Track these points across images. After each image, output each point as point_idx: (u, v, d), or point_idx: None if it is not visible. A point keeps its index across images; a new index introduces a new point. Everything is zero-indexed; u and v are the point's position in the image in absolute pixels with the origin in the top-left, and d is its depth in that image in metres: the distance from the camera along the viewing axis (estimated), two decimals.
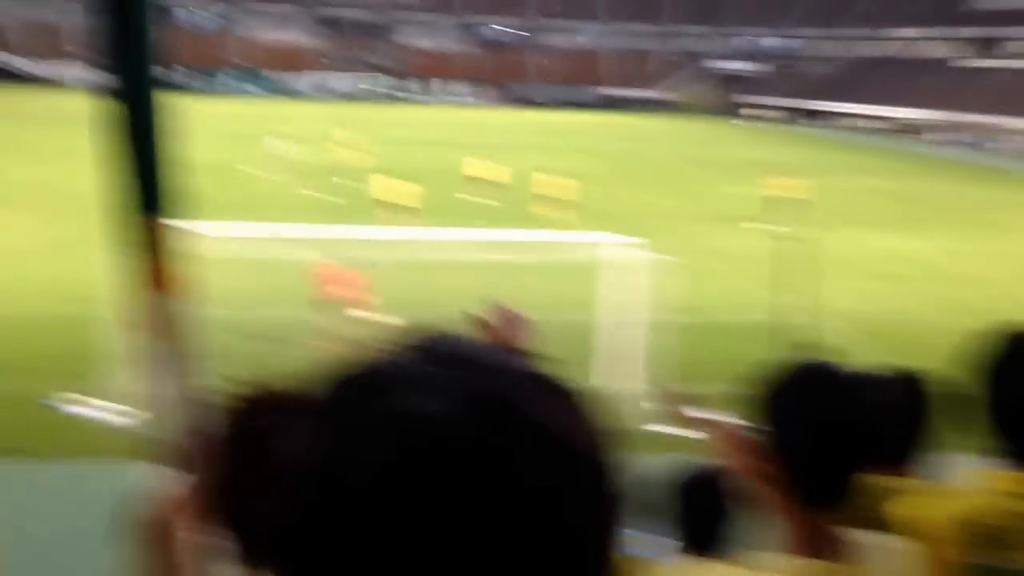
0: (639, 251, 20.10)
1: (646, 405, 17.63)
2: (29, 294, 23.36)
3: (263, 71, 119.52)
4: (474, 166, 42.60)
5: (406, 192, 36.49)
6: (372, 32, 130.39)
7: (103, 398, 16.79)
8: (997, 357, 2.97)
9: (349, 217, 33.90)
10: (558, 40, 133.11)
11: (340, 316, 20.78)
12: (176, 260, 2.64)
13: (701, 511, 4.58)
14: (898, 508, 3.24)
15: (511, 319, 3.75)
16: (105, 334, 15.68)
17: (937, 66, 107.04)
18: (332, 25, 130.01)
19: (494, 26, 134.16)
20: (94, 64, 2.63)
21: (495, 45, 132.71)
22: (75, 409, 17.11)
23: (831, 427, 2.51)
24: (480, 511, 0.99)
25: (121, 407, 16.28)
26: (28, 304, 22.59)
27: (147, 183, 2.62)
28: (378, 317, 20.53)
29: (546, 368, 1.13)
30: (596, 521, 1.07)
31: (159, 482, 2.62)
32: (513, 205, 40.09)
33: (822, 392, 2.55)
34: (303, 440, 1.04)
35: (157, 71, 2.68)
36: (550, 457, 1.03)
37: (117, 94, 2.60)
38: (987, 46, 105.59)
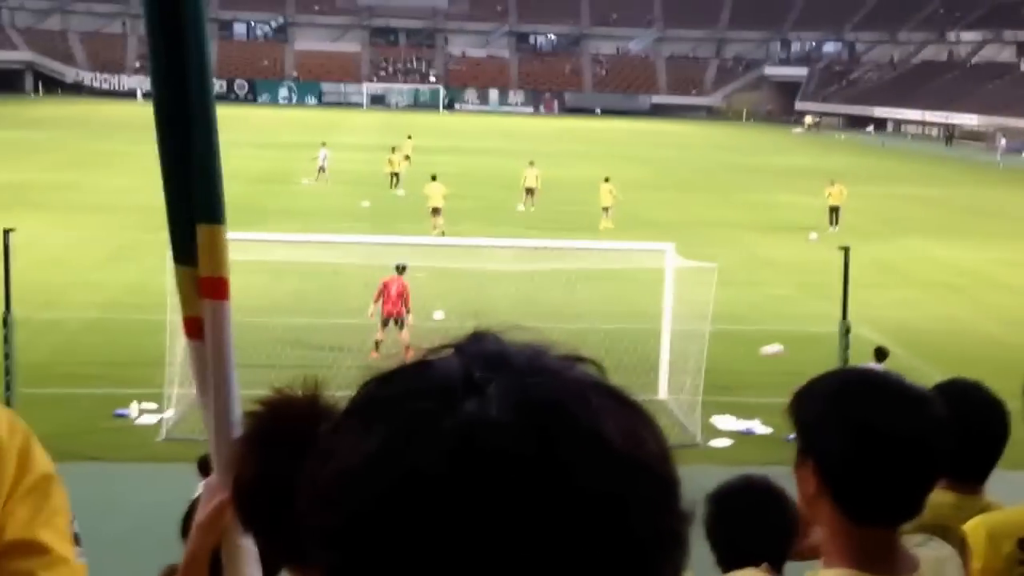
0: (696, 261, 20.24)
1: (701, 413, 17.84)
2: (104, 301, 23.78)
3: (320, 82, 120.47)
4: (528, 175, 42.70)
5: (449, 197, 37.21)
6: (426, 42, 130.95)
7: (173, 405, 17.13)
8: None
9: (404, 226, 34.20)
10: (611, 47, 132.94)
11: (398, 327, 20.91)
12: (227, 268, 2.59)
13: (748, 525, 4.34)
14: (960, 524, 3.23)
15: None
16: (173, 341, 16.00)
17: (1003, 71, 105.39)
18: (386, 36, 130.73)
19: (545, 34, 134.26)
20: (154, 73, 2.60)
21: (548, 53, 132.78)
22: (145, 417, 17.47)
23: (874, 437, 2.39)
24: (535, 523, 0.96)
25: (182, 412, 16.62)
26: (103, 310, 23.03)
27: (199, 192, 2.57)
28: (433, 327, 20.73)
29: (605, 376, 1.09)
30: (662, 535, 1.03)
31: (209, 486, 2.65)
32: (568, 214, 40.21)
33: (864, 401, 2.44)
34: (350, 442, 1.02)
35: (210, 82, 2.62)
36: (610, 469, 0.99)
37: (169, 104, 2.57)
38: None
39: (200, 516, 2.63)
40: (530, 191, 42.12)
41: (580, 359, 1.09)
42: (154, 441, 16.57)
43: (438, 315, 24.41)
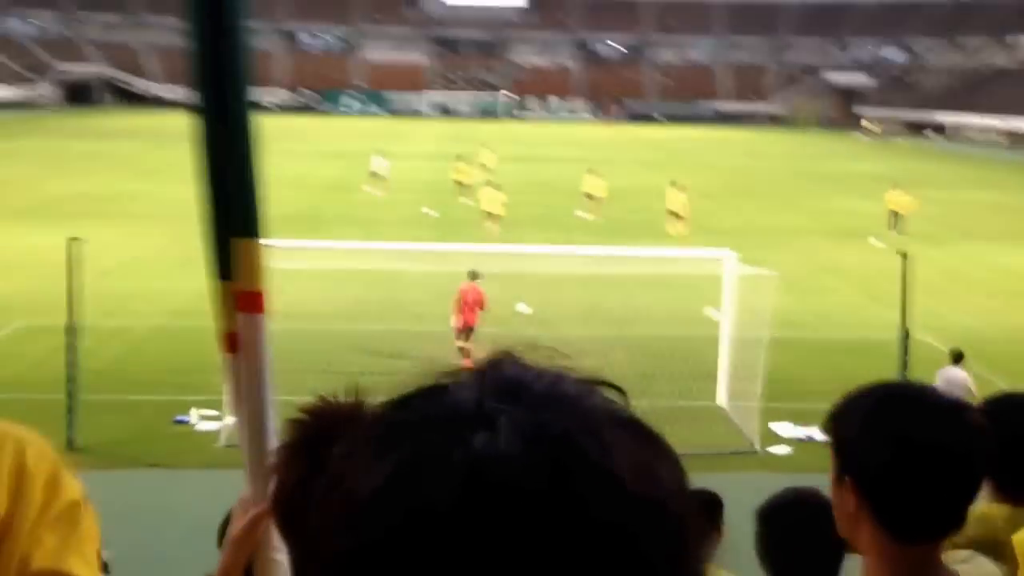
0: (757, 267, 20.12)
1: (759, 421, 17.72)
2: (169, 309, 24.08)
3: (384, 91, 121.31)
4: (591, 183, 42.67)
5: (506, 204, 37.45)
6: (488, 51, 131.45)
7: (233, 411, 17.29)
8: None
9: (468, 233, 34.32)
10: (674, 55, 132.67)
11: (465, 336, 20.87)
12: (264, 281, 2.60)
13: (799, 542, 4.22)
14: (1010, 538, 3.17)
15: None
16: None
17: None
18: (449, 45, 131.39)
19: (608, 42, 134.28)
20: (193, 85, 2.60)
21: (610, 61, 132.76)
22: (205, 424, 17.66)
23: (912, 449, 2.35)
24: (543, 561, 0.94)
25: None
26: (167, 318, 23.34)
27: (236, 206, 2.58)
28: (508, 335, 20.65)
29: (626, 403, 1.07)
30: (674, 571, 1.00)
31: (243, 500, 2.64)
32: (629, 221, 40.15)
33: (900, 414, 2.40)
34: (361, 470, 1.01)
35: (247, 95, 2.62)
36: (620, 506, 0.97)
37: (210, 115, 2.58)
38: None
39: (233, 530, 2.63)
40: (591, 198, 42.10)
41: (601, 384, 1.08)
42: (214, 447, 16.73)
43: (522, 307, 24.50)
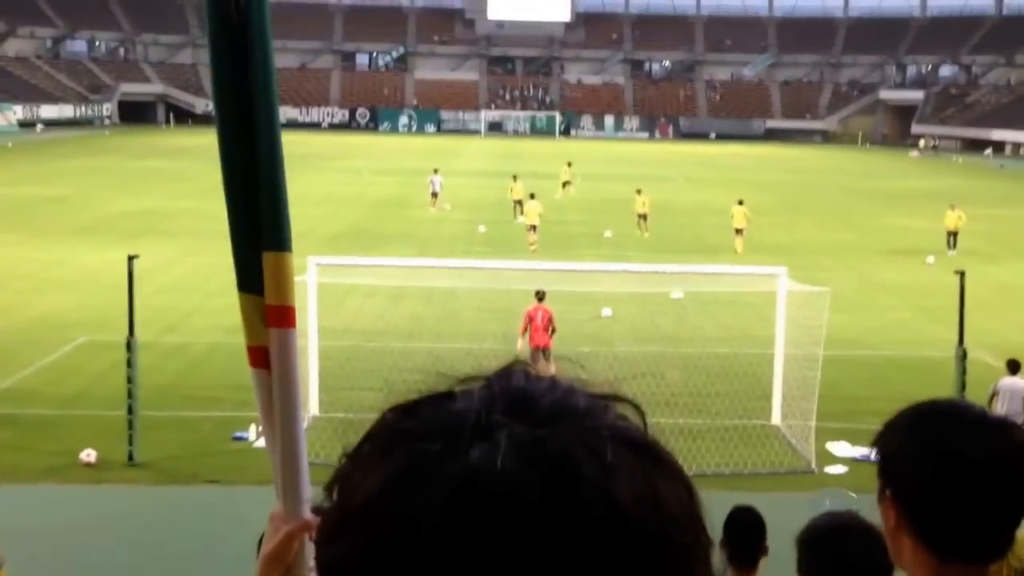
0: (810, 285, 20.06)
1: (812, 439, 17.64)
2: (227, 325, 24.20)
3: (440, 110, 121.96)
4: (643, 201, 42.55)
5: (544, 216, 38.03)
6: (542, 69, 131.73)
7: None
8: None
9: (521, 252, 34.44)
10: (726, 73, 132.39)
11: (546, 358, 20.40)
12: (293, 295, 2.53)
13: (831, 567, 4.17)
14: None
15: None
16: None
17: None
18: (504, 64, 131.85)
19: (662, 61, 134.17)
20: (218, 99, 2.58)
21: (663, 79, 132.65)
22: (262, 440, 17.75)
23: (954, 465, 2.30)
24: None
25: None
26: (225, 334, 23.50)
27: (265, 218, 2.52)
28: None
29: (639, 423, 1.03)
30: None
31: (275, 518, 2.56)
32: (683, 238, 40.13)
33: (943, 429, 2.36)
34: (360, 475, 1.00)
35: (275, 104, 2.56)
36: (616, 532, 0.93)
37: (233, 128, 2.53)
38: None
39: (266, 548, 2.56)
40: (643, 216, 42.11)
41: (615, 399, 1.04)
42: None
43: (607, 312, 24.46)
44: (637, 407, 1.04)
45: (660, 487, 0.97)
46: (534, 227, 37.79)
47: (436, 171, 49.09)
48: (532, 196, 39.55)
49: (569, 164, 57.05)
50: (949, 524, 2.30)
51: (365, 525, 0.97)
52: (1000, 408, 16.34)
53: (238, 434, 17.97)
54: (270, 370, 2.54)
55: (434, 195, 47.94)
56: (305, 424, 2.67)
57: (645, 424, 1.04)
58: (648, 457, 0.99)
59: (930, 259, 36.03)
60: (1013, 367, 17.11)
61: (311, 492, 2.57)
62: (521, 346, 20.36)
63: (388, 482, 0.97)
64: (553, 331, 20.49)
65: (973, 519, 2.30)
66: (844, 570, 4.10)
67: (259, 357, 2.56)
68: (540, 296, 20.78)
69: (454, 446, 0.95)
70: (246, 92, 2.52)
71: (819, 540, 4.26)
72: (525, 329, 20.55)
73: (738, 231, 38.68)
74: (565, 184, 54.29)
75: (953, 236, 38.63)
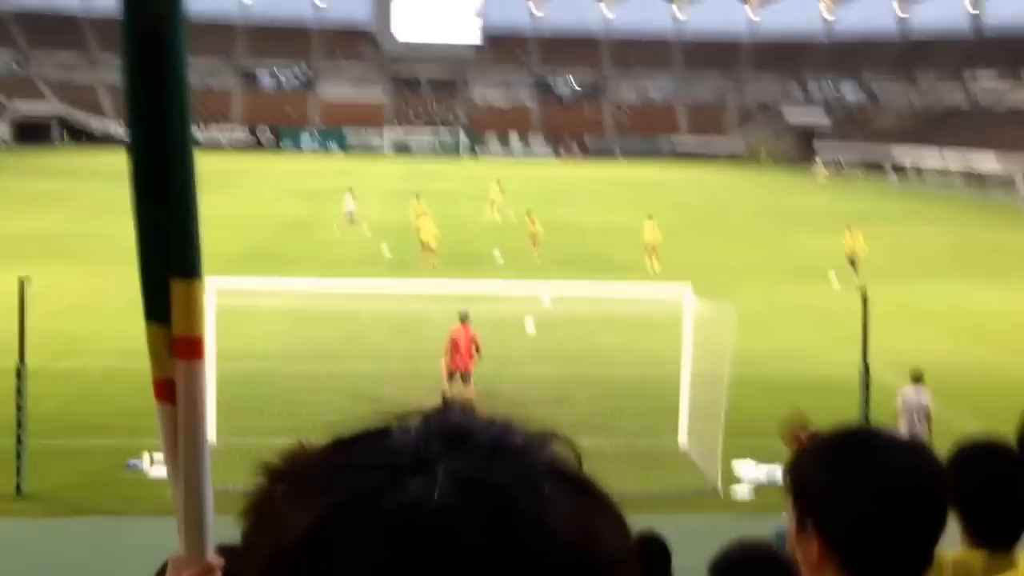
0: (716, 304, 20.02)
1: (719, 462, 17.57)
2: (123, 349, 23.55)
3: (342, 129, 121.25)
4: (537, 222, 42.45)
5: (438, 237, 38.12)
6: (446, 89, 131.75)
7: None
8: None
9: (425, 272, 34.18)
10: (632, 93, 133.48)
11: (464, 382, 20.33)
12: (203, 325, 2.47)
13: None
14: None
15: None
16: None
17: (1021, 115, 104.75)
18: (410, 83, 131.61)
19: (569, 81, 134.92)
20: (128, 121, 2.44)
21: (570, 99, 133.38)
22: (158, 469, 17.25)
23: (875, 491, 2.32)
24: None
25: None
26: (120, 359, 22.87)
27: (174, 245, 2.44)
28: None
29: (577, 459, 1.03)
30: None
31: (176, 562, 2.46)
32: (587, 257, 40.16)
33: (860, 456, 2.37)
34: (291, 513, 0.97)
35: (189, 126, 2.44)
36: (554, 565, 0.93)
37: (144, 150, 2.43)
38: None
39: None
40: (534, 237, 41.91)
41: (550, 437, 1.03)
42: (167, 493, 16.31)
43: (530, 326, 24.22)
44: (572, 444, 1.04)
45: (597, 523, 0.98)
46: (428, 245, 38.07)
47: (349, 190, 48.61)
48: (425, 215, 39.94)
49: (498, 182, 56.66)
50: (874, 550, 2.31)
51: (301, 562, 0.94)
52: (902, 417, 16.70)
53: (132, 462, 17.46)
54: (175, 404, 2.43)
55: (349, 215, 47.31)
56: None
57: (580, 461, 1.03)
58: (584, 493, 1.00)
59: (832, 274, 36.42)
60: (916, 377, 17.41)
61: (214, 535, 2.45)
62: (445, 366, 20.15)
63: (324, 518, 0.94)
64: (477, 351, 20.26)
65: (897, 543, 2.32)
66: None
67: (165, 390, 2.45)
68: (464, 318, 20.52)
69: (392, 480, 0.95)
70: (160, 111, 2.42)
71: (732, 570, 4.23)
72: (449, 350, 20.23)
73: (650, 248, 38.85)
74: (493, 203, 54.11)
75: (854, 261, 37.89)
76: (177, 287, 2.42)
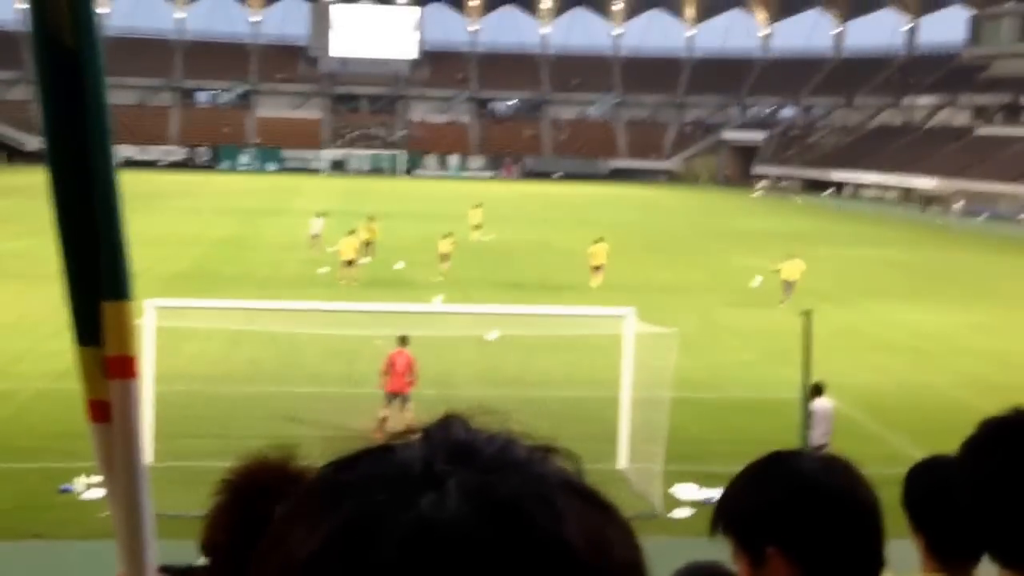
0: (657, 326, 20.03)
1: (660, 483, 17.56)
2: (57, 370, 23.11)
3: (282, 148, 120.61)
4: (444, 244, 42.58)
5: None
6: (387, 108, 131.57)
7: None
8: (974, 443, 2.77)
9: (363, 295, 33.99)
10: (571, 112, 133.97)
11: (402, 403, 20.20)
12: (135, 345, 2.51)
13: None
14: None
15: None
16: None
17: (955, 135, 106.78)
18: (348, 102, 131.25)
19: (508, 100, 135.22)
20: (49, 142, 2.48)
21: (508, 118, 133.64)
22: (93, 492, 16.98)
23: (839, 505, 2.35)
24: None
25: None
26: (54, 380, 22.48)
27: (103, 267, 2.46)
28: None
29: (579, 470, 1.03)
30: None
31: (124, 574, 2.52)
32: (527, 279, 40.16)
33: (794, 472, 2.41)
34: (301, 531, 0.96)
35: (111, 149, 2.48)
36: (570, 573, 0.92)
37: (67, 174, 2.45)
38: (1009, 114, 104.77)
39: None
40: (445, 256, 41.88)
41: (552, 451, 1.03)
42: (100, 516, 16.03)
43: (493, 335, 24.11)
44: (572, 456, 1.04)
45: (608, 532, 0.98)
46: (350, 262, 38.48)
47: (319, 215, 48.41)
48: (352, 232, 40.08)
49: (478, 206, 56.26)
50: (834, 565, 2.31)
51: None
52: (814, 429, 17.04)
53: (65, 487, 17.14)
54: (111, 424, 2.47)
55: (314, 237, 46.90)
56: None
57: (581, 473, 1.03)
58: (594, 503, 1.00)
59: (757, 279, 36.77)
60: (817, 390, 17.74)
61: (155, 553, 2.52)
62: (383, 387, 20.09)
63: (335, 536, 0.93)
64: (412, 377, 20.15)
65: (853, 557, 2.32)
66: None
67: (99, 411, 2.49)
68: (403, 341, 20.47)
69: (402, 496, 0.93)
70: (80, 129, 2.41)
71: None
72: (386, 371, 20.17)
73: (596, 268, 39.40)
74: (477, 227, 53.91)
75: (789, 285, 37.28)
76: (108, 308, 2.44)
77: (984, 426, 2.78)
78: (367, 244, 44.14)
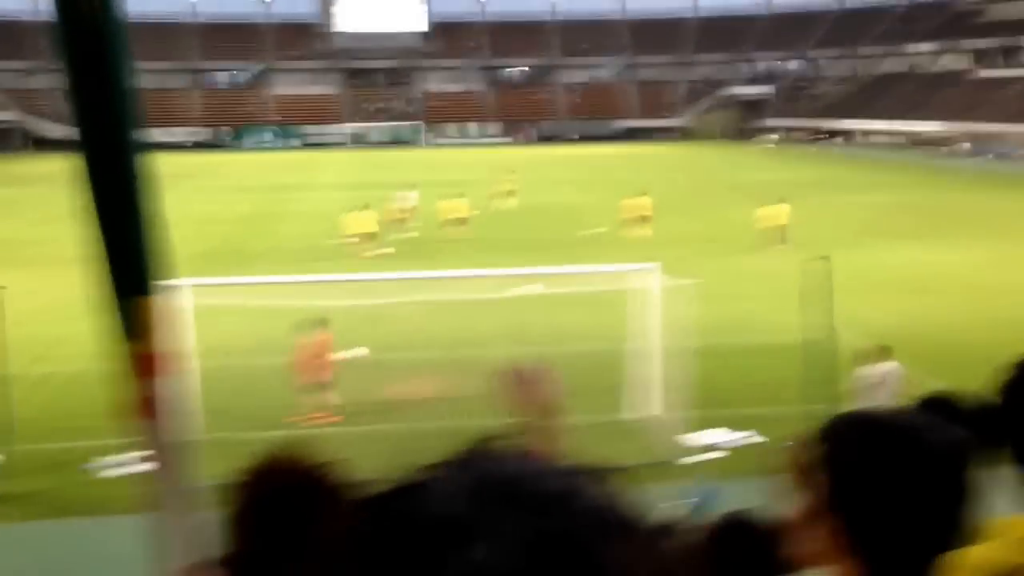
0: (668, 278, 20.38)
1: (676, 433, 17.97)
2: (93, 352, 23.49)
3: (302, 124, 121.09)
4: (446, 207, 43.47)
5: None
6: (402, 80, 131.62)
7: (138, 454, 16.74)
8: (1016, 382, 2.65)
9: (391, 265, 34.39)
10: (583, 76, 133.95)
11: (324, 389, 19.77)
12: (169, 341, 2.45)
13: (735, 567, 3.99)
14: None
15: (533, 379, 3.03)
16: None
17: (956, 79, 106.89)
18: (363, 76, 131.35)
19: (521, 67, 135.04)
20: (84, 140, 2.41)
21: (522, 85, 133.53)
22: (114, 470, 17.29)
23: (908, 490, 2.15)
24: None
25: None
26: (90, 361, 22.92)
27: (137, 265, 2.43)
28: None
29: (612, 494, 0.97)
30: None
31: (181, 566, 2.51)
32: (547, 239, 40.47)
33: (898, 451, 2.18)
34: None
35: (142, 147, 2.44)
36: None
37: (99, 174, 2.41)
38: (1007, 56, 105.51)
39: None
40: (462, 220, 42.84)
41: (604, 473, 1.00)
42: (128, 494, 16.18)
43: (360, 352, 24.23)
44: (625, 475, 1.01)
45: (667, 562, 0.96)
46: (373, 234, 38.76)
47: (413, 187, 48.02)
48: (367, 206, 40.16)
49: (513, 172, 56.42)
50: (896, 546, 2.17)
51: None
52: (884, 393, 16.55)
53: (86, 465, 17.37)
54: (154, 419, 2.52)
55: (403, 211, 46.09)
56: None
57: (625, 496, 0.99)
58: (644, 531, 0.96)
59: (783, 247, 37.07)
60: (883, 352, 17.51)
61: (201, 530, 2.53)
62: (303, 380, 19.45)
63: None
64: (333, 358, 19.60)
65: (920, 542, 2.16)
66: (747, 570, 3.98)
67: (144, 408, 2.53)
68: (321, 324, 19.84)
69: (451, 544, 0.88)
70: (110, 116, 2.44)
71: (718, 541, 4.13)
72: (313, 359, 19.45)
73: (643, 218, 41.70)
74: (511, 192, 54.07)
75: (782, 229, 38.99)
76: (141, 305, 2.48)
77: (1021, 367, 2.64)
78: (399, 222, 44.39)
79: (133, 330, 2.42)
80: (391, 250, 38.89)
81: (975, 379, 2.69)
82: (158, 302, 2.42)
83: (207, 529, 2.43)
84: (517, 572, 0.86)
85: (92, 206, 2.40)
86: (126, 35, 2.41)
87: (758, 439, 17.99)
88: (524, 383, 2.83)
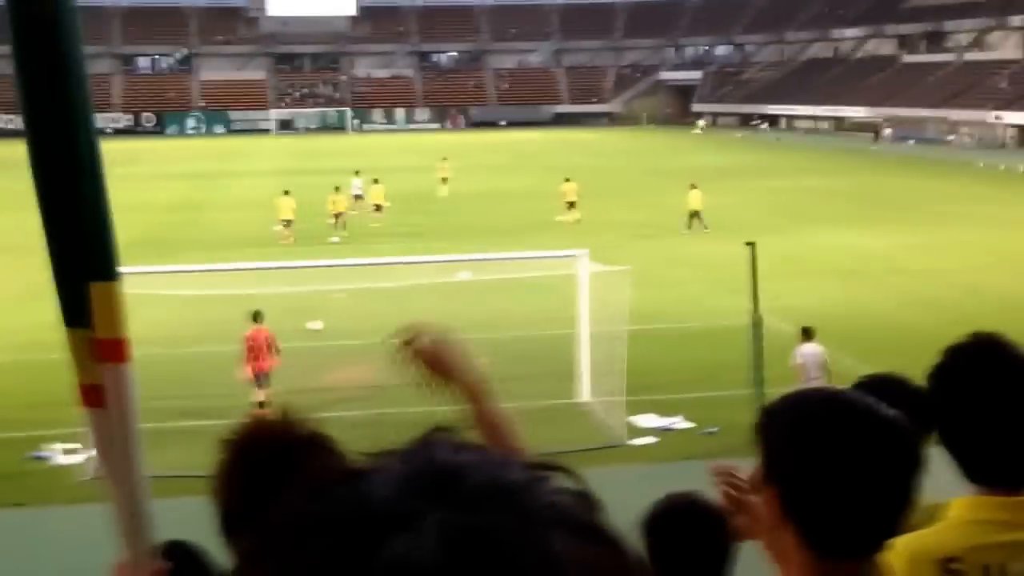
0: (609, 265, 20.50)
1: (622, 416, 18.07)
2: (18, 342, 23.02)
3: (228, 111, 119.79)
4: (375, 191, 43.49)
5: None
6: (330, 65, 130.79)
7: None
8: (944, 368, 2.80)
9: (318, 252, 34.17)
10: (512, 61, 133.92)
11: (260, 384, 19.30)
12: (126, 327, 2.38)
13: (678, 549, 3.97)
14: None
15: (439, 345, 3.00)
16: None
17: (886, 64, 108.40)
18: (290, 61, 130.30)
19: (449, 52, 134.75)
20: (30, 122, 2.33)
21: (451, 70, 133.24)
22: (61, 459, 17.08)
23: (843, 464, 2.17)
24: None
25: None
26: (17, 352, 22.53)
27: (91, 248, 2.34)
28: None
29: (576, 498, 0.92)
30: None
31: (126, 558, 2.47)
32: (479, 225, 40.45)
33: (832, 426, 2.21)
34: (271, 572, 0.89)
35: (94, 127, 2.37)
36: None
37: (51, 154, 2.34)
38: (931, 41, 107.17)
39: None
40: (379, 207, 42.91)
41: (551, 469, 0.94)
42: (77, 481, 15.86)
43: (316, 324, 24.28)
44: (577, 476, 0.94)
45: (608, 572, 0.88)
46: (288, 222, 38.67)
47: (357, 173, 47.45)
48: (286, 192, 39.85)
49: (445, 159, 55.98)
50: (836, 523, 2.19)
51: None
52: (808, 374, 16.86)
53: (38, 453, 17.24)
54: (106, 408, 2.39)
55: (357, 198, 45.37)
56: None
57: (588, 495, 0.93)
58: (593, 540, 0.89)
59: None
60: (807, 333, 17.85)
61: (152, 535, 2.48)
62: (246, 374, 19.09)
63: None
64: (277, 351, 19.33)
65: (861, 519, 2.20)
66: (690, 552, 3.99)
67: (92, 396, 2.41)
68: (257, 317, 19.53)
69: (375, 536, 0.85)
70: (62, 116, 2.32)
71: (663, 524, 4.10)
72: (249, 356, 19.07)
73: (570, 204, 41.80)
74: (444, 180, 53.51)
75: (696, 214, 39.50)
76: (97, 289, 2.36)
77: (949, 353, 2.81)
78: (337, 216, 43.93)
79: (82, 317, 2.34)
80: (338, 239, 38.72)
81: (901, 361, 2.76)
82: (108, 288, 2.35)
83: (154, 519, 2.43)
84: (436, 567, 0.82)
85: (42, 191, 2.34)
86: (77, 18, 2.31)
87: (684, 425, 18.15)
88: (434, 357, 2.84)
